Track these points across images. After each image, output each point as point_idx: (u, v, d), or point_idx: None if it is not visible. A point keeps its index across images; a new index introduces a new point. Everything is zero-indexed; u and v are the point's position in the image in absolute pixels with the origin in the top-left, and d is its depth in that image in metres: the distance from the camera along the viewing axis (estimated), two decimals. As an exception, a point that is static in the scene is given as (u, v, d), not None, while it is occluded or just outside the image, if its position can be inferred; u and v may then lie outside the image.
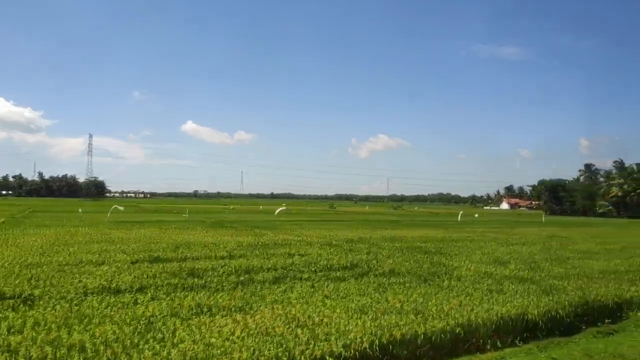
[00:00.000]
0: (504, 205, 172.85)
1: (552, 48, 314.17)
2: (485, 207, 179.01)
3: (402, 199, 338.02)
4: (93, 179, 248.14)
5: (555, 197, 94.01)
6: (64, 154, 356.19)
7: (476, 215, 55.53)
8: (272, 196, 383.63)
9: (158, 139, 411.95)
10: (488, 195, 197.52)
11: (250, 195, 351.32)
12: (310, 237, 22.76)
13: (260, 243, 18.91)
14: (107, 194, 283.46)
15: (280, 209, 50.83)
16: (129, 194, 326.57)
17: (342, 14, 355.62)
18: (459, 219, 46.22)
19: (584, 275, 12.29)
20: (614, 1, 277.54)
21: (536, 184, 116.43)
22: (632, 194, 79.45)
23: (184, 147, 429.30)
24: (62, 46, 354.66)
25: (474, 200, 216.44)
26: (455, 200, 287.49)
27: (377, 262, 14.11)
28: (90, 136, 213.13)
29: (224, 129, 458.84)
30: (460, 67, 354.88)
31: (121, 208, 42.03)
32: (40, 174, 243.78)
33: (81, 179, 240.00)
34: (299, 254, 15.61)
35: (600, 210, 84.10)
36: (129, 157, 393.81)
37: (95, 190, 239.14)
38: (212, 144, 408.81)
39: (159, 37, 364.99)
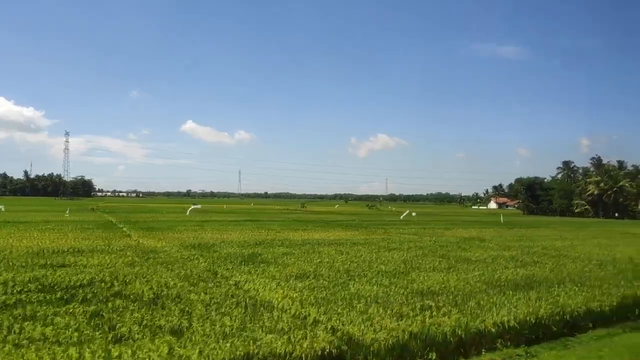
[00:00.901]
0: (492, 205, 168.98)
1: (553, 47, 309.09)
2: (473, 207, 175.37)
3: (395, 198, 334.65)
4: (80, 177, 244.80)
5: (532, 196, 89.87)
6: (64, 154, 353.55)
7: (413, 214, 51.09)
8: (266, 196, 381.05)
9: (158, 139, 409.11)
10: (476, 195, 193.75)
11: (247, 195, 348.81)
12: (165, 240, 19.25)
13: (72, 249, 15.44)
14: (99, 193, 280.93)
15: (192, 207, 47.30)
16: (120, 194, 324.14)
17: (342, 14, 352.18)
18: (401, 218, 42.69)
19: (373, 299, 8.74)
20: (615, 0, 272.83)
21: (513, 182, 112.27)
22: (609, 192, 75.40)
23: (184, 147, 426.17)
24: (64, 46, 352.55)
25: (461, 200, 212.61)
26: (448, 199, 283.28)
27: (136, 277, 10.60)
28: (67, 134, 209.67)
29: (224, 129, 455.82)
30: (460, 66, 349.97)
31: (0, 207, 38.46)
32: (26, 173, 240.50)
33: (67, 178, 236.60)
34: (64, 266, 12.15)
35: (577, 210, 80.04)
36: (130, 157, 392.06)
37: (82, 189, 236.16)
38: (212, 144, 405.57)
39: (160, 36, 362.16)
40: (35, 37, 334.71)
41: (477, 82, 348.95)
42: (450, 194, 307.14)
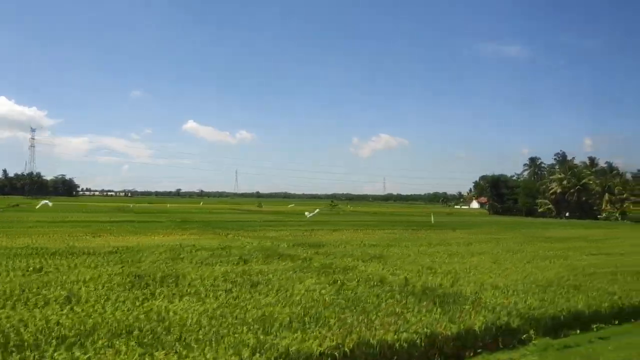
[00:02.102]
0: (474, 204, 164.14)
1: (556, 46, 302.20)
2: (456, 206, 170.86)
3: (388, 198, 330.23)
4: (60, 177, 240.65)
5: (497, 194, 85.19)
6: (67, 154, 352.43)
7: (311, 213, 44.63)
8: (258, 195, 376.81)
9: (160, 139, 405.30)
10: (460, 194, 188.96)
11: (245, 195, 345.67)
12: None
13: None
14: (87, 192, 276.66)
15: (42, 202, 42.97)
16: (109, 193, 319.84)
17: (343, 14, 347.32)
18: (308, 218, 38.68)
19: None
20: (616, 0, 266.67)
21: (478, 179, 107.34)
22: (572, 190, 70.65)
23: (185, 147, 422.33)
24: (65, 46, 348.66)
25: (444, 199, 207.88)
26: (437, 199, 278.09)
27: None
28: (33, 130, 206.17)
29: (225, 128, 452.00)
30: (462, 65, 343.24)
31: None
32: (5, 172, 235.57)
33: (49, 177, 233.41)
34: None
35: (541, 209, 75.27)
36: (133, 157, 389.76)
37: (62, 188, 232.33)
38: (213, 143, 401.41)
39: (161, 36, 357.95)
40: (36, 37, 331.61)
41: (478, 82, 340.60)
42: (449, 193, 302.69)
